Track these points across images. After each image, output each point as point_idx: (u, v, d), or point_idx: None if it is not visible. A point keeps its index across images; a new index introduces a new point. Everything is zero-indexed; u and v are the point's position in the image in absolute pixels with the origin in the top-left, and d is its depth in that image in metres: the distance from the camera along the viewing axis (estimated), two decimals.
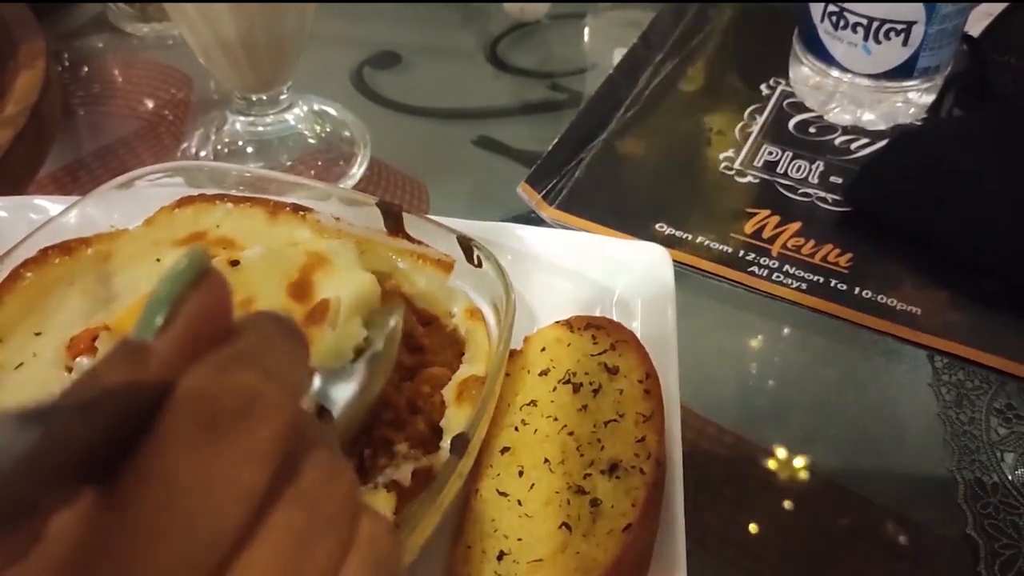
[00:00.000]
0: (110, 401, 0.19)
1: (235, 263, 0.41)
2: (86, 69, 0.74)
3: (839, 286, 0.54)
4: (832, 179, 0.61)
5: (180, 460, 0.19)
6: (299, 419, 0.21)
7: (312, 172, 0.63)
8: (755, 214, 0.59)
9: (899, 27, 0.59)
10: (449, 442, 0.37)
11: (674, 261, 0.48)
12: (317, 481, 0.21)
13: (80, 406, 0.18)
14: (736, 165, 0.63)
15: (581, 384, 0.41)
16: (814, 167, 0.62)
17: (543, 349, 0.44)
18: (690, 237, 0.58)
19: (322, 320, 0.38)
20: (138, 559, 0.18)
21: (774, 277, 0.55)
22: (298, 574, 0.20)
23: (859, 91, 0.63)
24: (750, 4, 0.76)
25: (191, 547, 0.19)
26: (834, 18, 0.61)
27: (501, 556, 0.36)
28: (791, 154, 0.63)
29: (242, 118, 0.63)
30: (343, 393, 0.36)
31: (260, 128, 0.63)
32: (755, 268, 0.56)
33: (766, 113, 0.67)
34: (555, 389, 0.42)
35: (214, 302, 0.22)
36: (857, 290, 0.54)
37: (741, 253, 0.57)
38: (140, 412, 0.19)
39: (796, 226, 0.58)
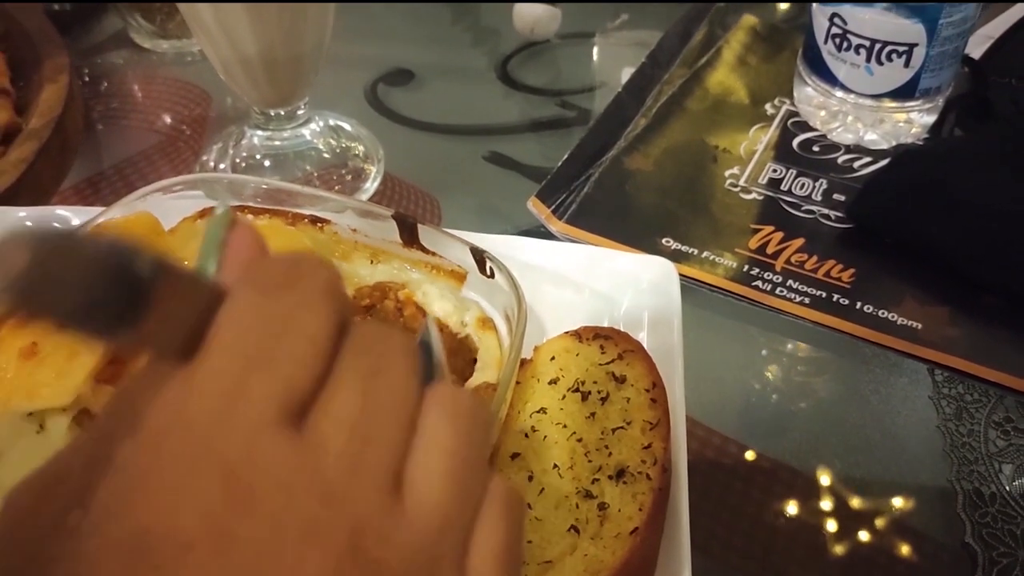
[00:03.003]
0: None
1: None
2: (106, 84, 0.76)
3: (841, 301, 0.56)
4: (835, 197, 0.63)
5: (247, 321, 0.22)
6: (340, 282, 0.24)
7: (328, 185, 0.64)
8: (759, 230, 0.60)
9: (901, 49, 0.60)
10: None
11: (680, 275, 0.49)
12: (372, 332, 0.24)
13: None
14: (741, 182, 0.64)
15: (589, 392, 0.43)
16: (817, 185, 0.64)
17: (552, 358, 0.45)
18: (696, 252, 0.59)
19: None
20: (225, 409, 0.21)
21: (778, 292, 0.56)
22: (372, 409, 0.22)
23: (862, 111, 0.65)
24: (756, 27, 0.77)
25: (272, 392, 0.21)
26: (837, 40, 0.62)
27: None
28: (795, 172, 0.65)
29: (260, 133, 0.65)
30: None
31: (277, 142, 0.65)
32: (759, 283, 0.57)
33: (771, 132, 0.68)
34: (564, 397, 0.43)
35: (249, 236, 0.25)
36: (859, 305, 0.55)
37: (745, 268, 0.58)
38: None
39: (799, 242, 0.59)
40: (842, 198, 0.62)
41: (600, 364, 0.44)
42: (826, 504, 0.47)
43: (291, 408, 0.21)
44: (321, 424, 0.21)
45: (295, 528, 0.20)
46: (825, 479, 0.48)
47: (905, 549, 0.45)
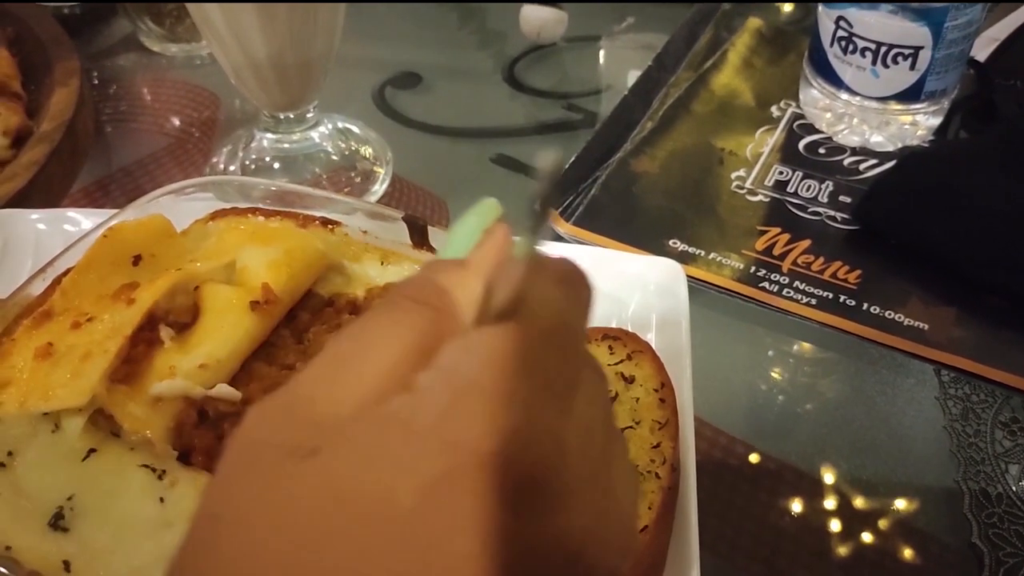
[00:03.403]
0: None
1: None
2: (116, 88, 0.77)
3: (848, 302, 0.56)
4: (841, 198, 0.63)
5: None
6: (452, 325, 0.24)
7: (337, 188, 0.65)
8: (766, 232, 0.61)
9: (906, 52, 0.60)
10: None
11: (687, 276, 0.49)
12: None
13: None
14: (747, 184, 0.65)
15: None
16: (823, 187, 0.64)
17: None
18: (703, 253, 0.59)
19: None
20: None
21: (784, 293, 0.57)
22: None
23: (868, 113, 0.65)
24: (762, 30, 0.78)
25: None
26: (843, 43, 0.62)
27: None
28: (801, 174, 0.65)
29: (269, 135, 0.65)
30: None
31: (286, 145, 0.65)
32: (766, 284, 0.57)
33: (777, 134, 0.69)
34: None
35: (502, 243, 0.26)
36: (865, 306, 0.56)
37: (752, 269, 0.58)
38: None
39: (806, 243, 0.60)
40: (848, 200, 0.63)
41: (609, 364, 0.44)
42: (832, 504, 0.47)
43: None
44: None
45: None
46: (831, 479, 0.48)
47: (911, 550, 0.45)
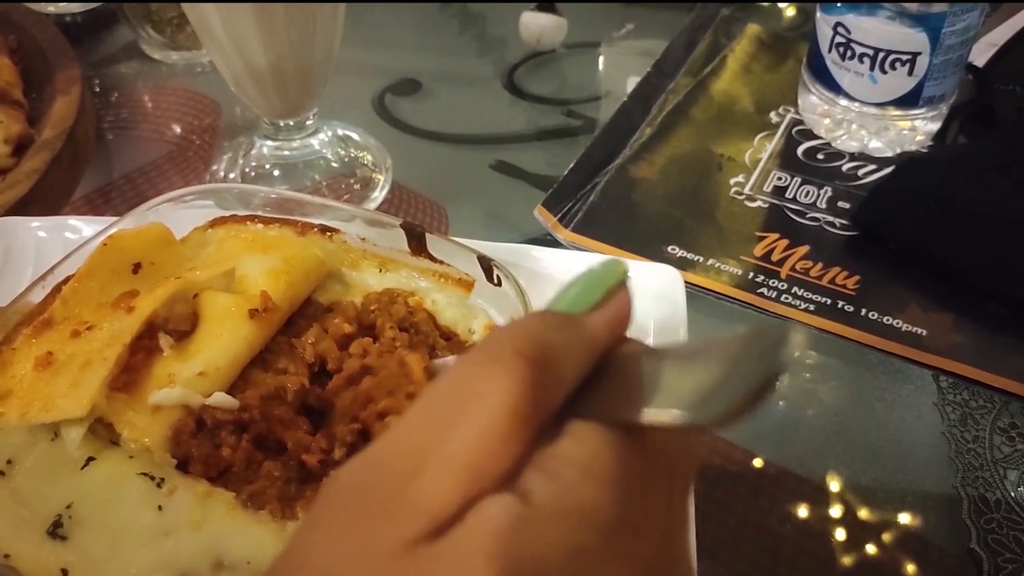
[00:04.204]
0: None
1: None
2: (117, 95, 0.77)
3: (846, 308, 0.56)
4: (840, 204, 0.63)
5: None
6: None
7: (336, 195, 0.65)
8: (764, 238, 0.61)
9: (904, 57, 0.60)
10: None
11: (686, 282, 0.49)
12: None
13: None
14: (746, 190, 0.65)
15: None
16: (822, 193, 0.64)
17: None
18: (701, 259, 0.59)
19: None
20: None
21: (783, 299, 0.57)
22: None
23: (866, 119, 0.65)
24: (761, 36, 0.78)
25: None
26: (841, 49, 0.63)
27: None
28: (800, 180, 0.65)
29: (269, 142, 0.65)
30: None
31: (286, 152, 0.65)
32: (764, 290, 0.57)
33: (775, 140, 0.69)
34: None
35: (623, 313, 0.26)
36: (864, 312, 0.56)
37: (751, 275, 0.58)
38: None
39: (804, 249, 0.60)
40: (847, 206, 0.63)
41: None
42: (832, 510, 0.47)
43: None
44: None
45: None
46: (830, 485, 0.48)
47: (910, 555, 0.45)
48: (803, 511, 0.47)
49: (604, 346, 0.25)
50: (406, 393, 0.37)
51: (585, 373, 0.24)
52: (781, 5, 0.84)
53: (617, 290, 0.27)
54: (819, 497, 0.48)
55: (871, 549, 0.46)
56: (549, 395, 0.23)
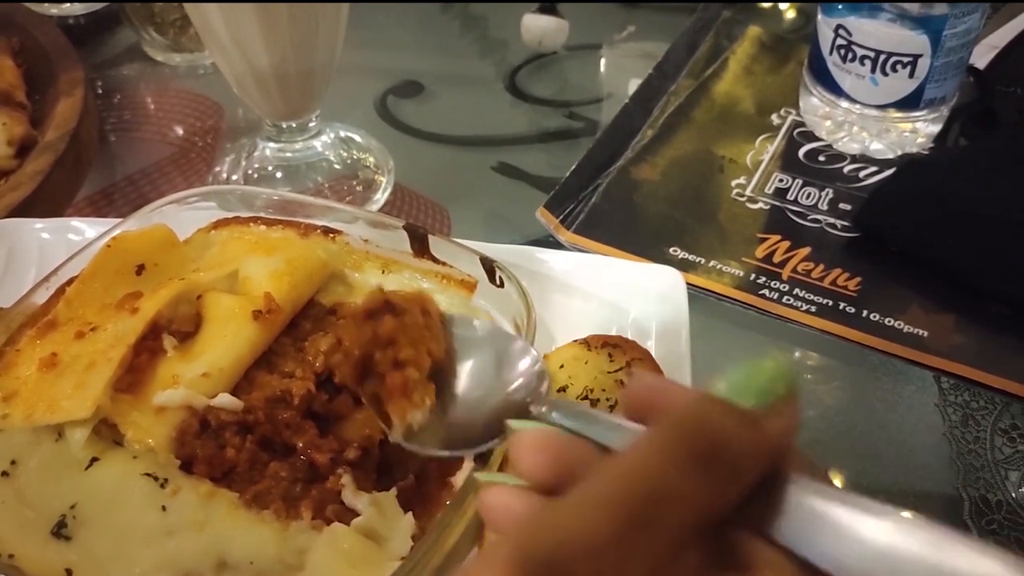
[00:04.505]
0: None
1: None
2: (120, 97, 0.77)
3: (848, 309, 0.56)
4: (841, 206, 0.63)
5: None
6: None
7: (339, 196, 0.65)
8: (766, 239, 0.61)
9: (905, 60, 0.61)
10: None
11: (687, 284, 0.50)
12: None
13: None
14: (748, 192, 0.65)
15: (598, 400, 0.43)
16: (823, 194, 0.64)
17: (561, 366, 0.45)
18: (703, 261, 0.60)
19: None
20: None
21: (784, 300, 0.57)
22: None
23: (867, 121, 0.65)
24: (762, 38, 0.78)
25: None
26: (843, 51, 0.63)
27: None
28: (801, 182, 0.65)
29: (272, 144, 0.65)
30: None
31: (289, 154, 0.65)
32: (766, 291, 0.57)
33: (777, 142, 0.69)
34: None
35: (792, 425, 0.26)
36: (865, 313, 0.56)
37: (752, 277, 0.58)
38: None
39: (806, 251, 0.60)
40: (848, 207, 0.63)
41: (609, 372, 0.44)
42: None
43: None
44: None
45: None
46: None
47: None
48: None
49: (777, 454, 0.25)
50: (427, 349, 0.38)
51: (756, 480, 0.24)
52: (782, 7, 0.84)
53: (789, 395, 0.27)
54: None
55: None
56: (724, 495, 0.24)
